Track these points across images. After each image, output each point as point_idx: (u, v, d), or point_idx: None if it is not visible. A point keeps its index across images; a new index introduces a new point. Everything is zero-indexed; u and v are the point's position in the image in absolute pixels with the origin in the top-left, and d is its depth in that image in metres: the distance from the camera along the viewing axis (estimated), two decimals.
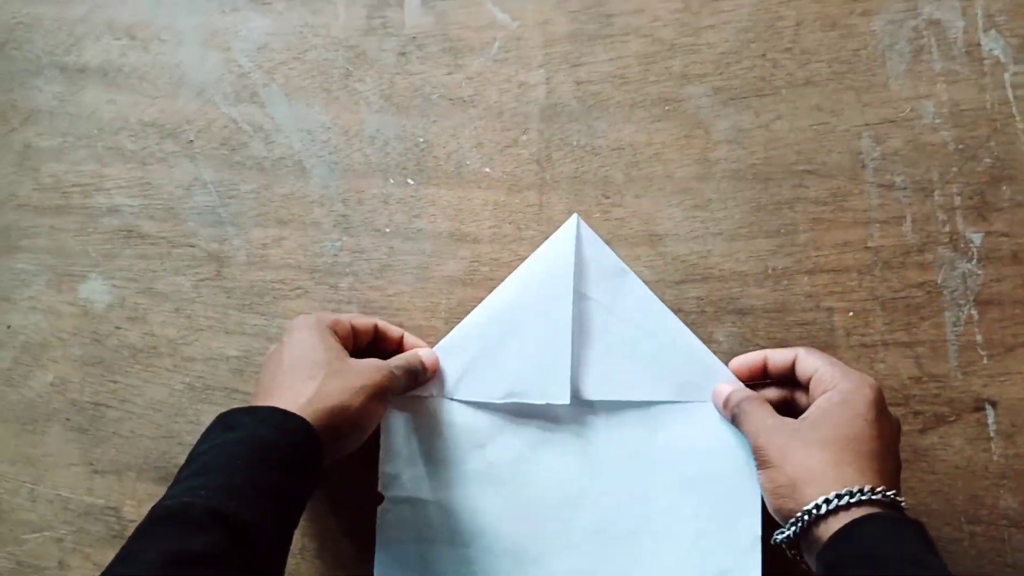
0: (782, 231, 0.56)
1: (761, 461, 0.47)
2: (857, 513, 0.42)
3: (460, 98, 0.59)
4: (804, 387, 0.50)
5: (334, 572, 0.57)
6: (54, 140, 0.61)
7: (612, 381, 0.54)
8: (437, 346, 0.55)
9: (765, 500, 0.48)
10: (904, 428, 0.54)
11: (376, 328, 0.54)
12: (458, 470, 0.54)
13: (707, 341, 0.55)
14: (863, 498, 0.43)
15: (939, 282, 0.55)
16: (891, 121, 0.56)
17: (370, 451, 0.53)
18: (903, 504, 0.44)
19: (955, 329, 0.55)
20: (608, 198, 0.57)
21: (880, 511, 0.43)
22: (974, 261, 0.55)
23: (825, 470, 0.44)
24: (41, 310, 0.60)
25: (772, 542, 0.47)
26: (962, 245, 0.55)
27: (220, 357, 0.59)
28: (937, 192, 0.56)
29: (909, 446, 0.54)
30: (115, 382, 0.59)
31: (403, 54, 0.59)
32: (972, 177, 0.55)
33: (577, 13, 0.58)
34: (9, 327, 0.61)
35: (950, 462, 0.54)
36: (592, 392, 0.54)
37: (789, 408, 0.51)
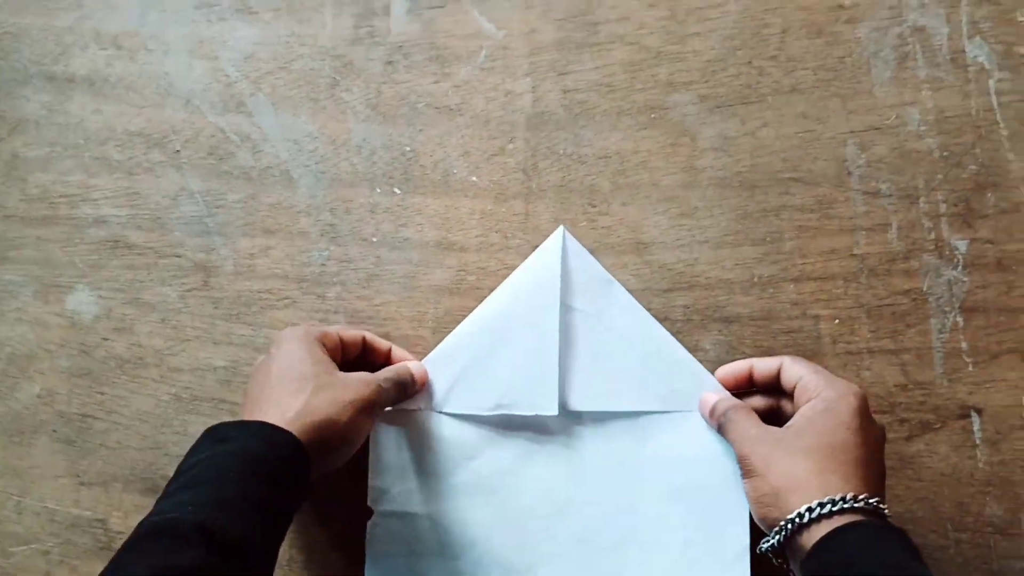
0: (768, 239, 0.56)
1: (746, 470, 0.47)
2: (840, 521, 0.42)
3: (447, 107, 0.59)
4: (790, 395, 0.50)
5: None
6: (41, 150, 0.61)
7: (599, 392, 0.54)
8: (425, 359, 0.55)
9: (751, 509, 0.48)
10: (890, 436, 0.54)
11: (364, 341, 0.54)
12: (447, 483, 0.54)
13: (694, 349, 0.55)
14: (845, 506, 0.43)
15: (924, 289, 0.55)
16: (876, 128, 0.56)
17: (359, 464, 0.53)
18: (886, 512, 0.44)
19: (940, 336, 0.55)
20: (595, 207, 0.57)
21: (863, 519, 0.43)
22: (959, 268, 0.55)
23: (808, 479, 0.44)
24: (28, 321, 0.60)
25: (758, 551, 0.47)
26: (947, 252, 0.55)
27: (207, 367, 0.58)
28: (922, 199, 0.56)
29: (895, 454, 0.54)
30: (102, 393, 0.59)
31: (390, 63, 0.59)
32: (957, 184, 0.56)
33: (563, 21, 0.58)
34: None
35: (936, 469, 0.54)
36: (580, 403, 0.54)
37: (776, 416, 0.51)
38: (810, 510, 0.43)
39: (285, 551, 0.56)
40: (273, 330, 0.58)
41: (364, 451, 0.54)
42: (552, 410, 0.53)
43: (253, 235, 0.59)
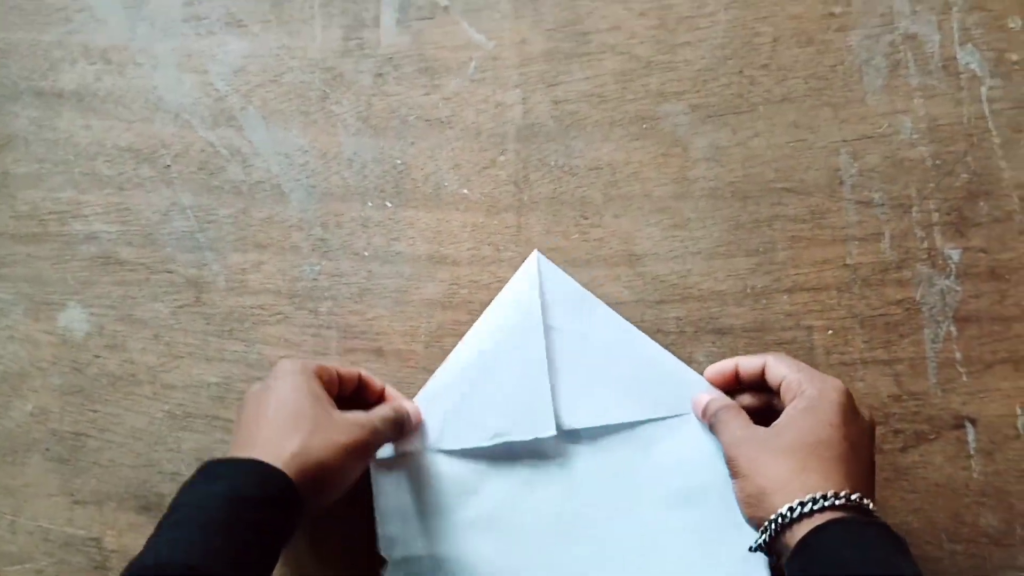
0: (761, 249, 0.56)
1: (733, 471, 0.48)
2: (820, 519, 0.43)
3: (437, 119, 0.58)
4: (778, 392, 0.50)
5: None
6: (31, 167, 0.61)
7: (593, 407, 0.54)
8: (415, 398, 0.55)
9: (740, 509, 0.48)
10: (884, 447, 0.54)
11: (360, 377, 0.54)
12: (453, 520, 0.53)
13: (687, 361, 0.55)
14: (826, 504, 0.43)
15: (918, 299, 0.55)
16: (868, 137, 0.56)
17: (366, 505, 0.53)
18: (871, 507, 0.44)
19: (934, 346, 0.55)
20: (586, 218, 0.57)
21: (844, 516, 0.43)
22: (952, 277, 0.55)
23: (790, 478, 0.45)
24: (19, 339, 0.60)
25: (748, 550, 0.47)
26: (940, 261, 0.55)
27: (200, 384, 0.58)
28: (915, 208, 0.56)
29: (890, 464, 0.54)
30: (95, 411, 0.59)
31: (380, 75, 0.59)
32: (950, 193, 0.55)
33: (553, 32, 0.58)
34: None
35: (930, 480, 0.54)
36: (575, 420, 0.54)
37: (768, 412, 0.51)
38: (791, 510, 0.43)
39: None
40: (266, 346, 0.58)
41: (359, 491, 0.53)
42: (550, 431, 0.53)
43: (245, 250, 0.59)
